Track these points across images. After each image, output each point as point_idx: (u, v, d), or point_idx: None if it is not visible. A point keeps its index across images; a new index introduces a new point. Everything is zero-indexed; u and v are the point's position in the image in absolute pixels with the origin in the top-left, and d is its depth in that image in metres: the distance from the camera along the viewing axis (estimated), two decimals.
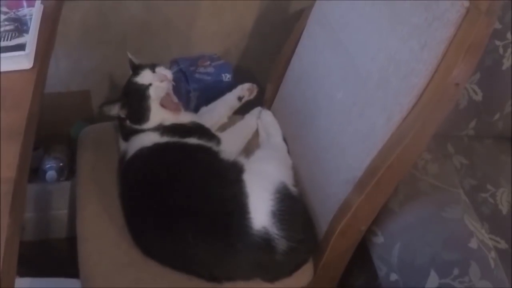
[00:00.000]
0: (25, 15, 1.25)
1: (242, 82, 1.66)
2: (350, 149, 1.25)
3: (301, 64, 1.50)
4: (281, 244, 1.27)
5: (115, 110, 1.41)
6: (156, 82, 1.42)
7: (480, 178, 1.61)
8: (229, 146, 1.49)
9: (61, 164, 1.81)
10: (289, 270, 1.32)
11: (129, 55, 1.51)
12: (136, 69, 1.47)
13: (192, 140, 1.42)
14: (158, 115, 1.42)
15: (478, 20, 0.99)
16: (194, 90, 1.75)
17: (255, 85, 1.65)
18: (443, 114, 1.11)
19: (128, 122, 1.42)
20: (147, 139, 1.40)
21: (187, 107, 1.74)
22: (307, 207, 1.40)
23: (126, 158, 1.40)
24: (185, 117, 1.48)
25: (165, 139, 1.40)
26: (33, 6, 1.27)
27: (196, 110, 1.66)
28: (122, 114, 1.41)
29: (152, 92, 1.41)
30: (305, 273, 1.34)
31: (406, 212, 1.29)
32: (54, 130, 1.84)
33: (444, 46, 1.04)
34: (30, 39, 1.18)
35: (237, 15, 1.82)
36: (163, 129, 1.41)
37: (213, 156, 1.41)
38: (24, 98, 1.09)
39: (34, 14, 1.24)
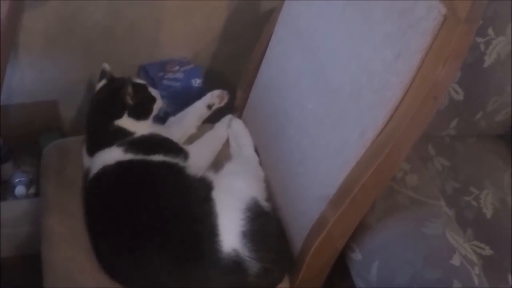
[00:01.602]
0: None
1: (213, 87, 1.52)
2: (323, 164, 1.12)
3: (270, 70, 1.35)
4: (253, 266, 1.14)
5: (128, 90, 1.30)
6: (155, 92, 1.39)
7: (463, 180, 1.48)
8: (198, 159, 1.35)
9: (30, 177, 1.66)
10: None
11: (106, 66, 1.39)
12: (119, 78, 1.38)
13: (157, 157, 1.27)
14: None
15: (457, 28, 0.85)
16: (163, 98, 1.59)
17: (225, 92, 1.50)
18: (420, 130, 0.97)
19: (125, 118, 1.30)
20: (110, 156, 1.25)
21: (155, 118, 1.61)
22: (281, 222, 1.27)
23: (89, 176, 1.26)
24: (152, 129, 1.35)
25: (128, 156, 1.26)
26: None
27: (166, 118, 1.51)
28: (130, 100, 1.30)
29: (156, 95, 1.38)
30: None
31: (384, 228, 1.16)
32: (23, 142, 1.69)
33: (420, 57, 0.90)
34: None
35: (205, 17, 1.65)
36: (127, 144, 1.27)
37: (180, 173, 1.26)
38: None
39: None
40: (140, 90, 1.33)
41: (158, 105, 1.37)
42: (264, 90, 1.38)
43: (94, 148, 1.29)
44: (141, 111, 1.32)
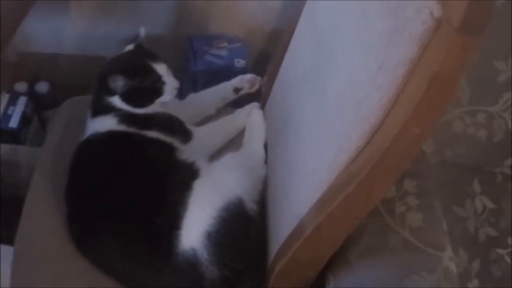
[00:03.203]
0: None
1: (262, 70, 1.31)
2: (303, 179, 0.89)
3: (288, 61, 1.11)
4: (211, 271, 0.96)
5: (118, 82, 1.07)
6: (171, 86, 1.11)
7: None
8: (203, 143, 1.17)
9: None
10: None
11: (141, 31, 1.19)
12: (144, 51, 1.14)
13: (151, 133, 1.10)
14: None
15: (450, 39, 0.57)
16: (201, 73, 1.43)
17: (258, 78, 1.29)
18: (399, 165, 0.71)
19: (117, 98, 1.09)
20: (103, 124, 1.10)
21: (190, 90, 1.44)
22: (267, 231, 1.05)
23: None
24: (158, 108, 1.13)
25: (121, 127, 1.09)
26: None
27: None
28: (118, 89, 1.08)
29: (165, 91, 1.10)
30: None
31: (362, 268, 0.90)
32: (70, 93, 1.61)
33: (403, 71, 0.64)
34: None
35: None
36: (123, 116, 1.09)
37: (169, 154, 1.09)
38: None
39: None
40: (141, 77, 1.08)
41: (165, 99, 1.11)
42: (281, 82, 1.15)
43: (94, 112, 1.14)
44: (134, 101, 1.09)
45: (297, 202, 0.89)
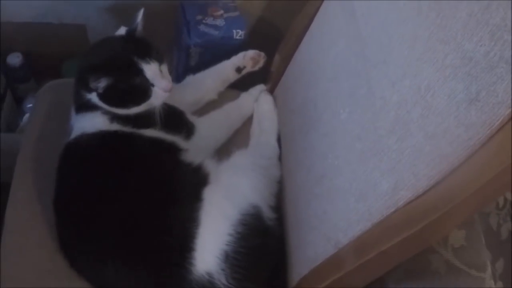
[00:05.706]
0: None
1: (258, 44, 1.13)
2: (341, 199, 0.74)
3: (310, 46, 0.93)
4: None
5: (98, 83, 0.86)
6: (161, 89, 0.89)
7: None
8: (207, 136, 1.00)
9: None
10: None
11: (140, 13, 0.94)
12: (134, 43, 0.91)
13: (150, 132, 0.92)
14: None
15: None
16: (196, 46, 1.22)
17: (262, 54, 1.10)
18: (473, 212, 0.58)
19: (97, 98, 0.88)
20: (92, 123, 0.90)
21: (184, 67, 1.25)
22: (285, 241, 0.91)
23: (67, 140, 0.93)
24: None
25: (114, 126, 0.90)
26: None
27: (197, 69, 1.15)
28: (100, 89, 0.87)
29: (153, 95, 0.89)
30: None
31: None
32: (47, 64, 1.39)
33: (505, 112, 0.48)
34: None
35: None
36: (114, 113, 0.90)
37: (172, 157, 0.91)
38: None
39: None
40: (123, 78, 0.87)
41: (152, 103, 0.89)
42: (300, 69, 0.97)
43: (77, 107, 0.94)
44: (115, 102, 0.89)
45: (332, 226, 0.75)
